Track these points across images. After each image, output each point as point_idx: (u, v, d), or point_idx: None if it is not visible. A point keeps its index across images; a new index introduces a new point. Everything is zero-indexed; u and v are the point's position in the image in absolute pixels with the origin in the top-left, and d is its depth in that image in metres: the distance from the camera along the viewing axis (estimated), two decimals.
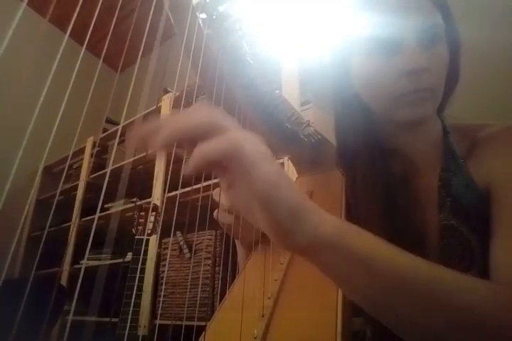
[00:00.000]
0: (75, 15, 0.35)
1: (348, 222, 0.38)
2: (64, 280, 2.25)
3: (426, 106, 0.57)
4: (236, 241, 0.70)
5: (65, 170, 2.83)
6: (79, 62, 0.39)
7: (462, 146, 0.61)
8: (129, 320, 1.22)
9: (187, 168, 0.30)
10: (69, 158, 2.66)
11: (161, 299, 1.69)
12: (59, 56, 0.34)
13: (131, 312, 1.24)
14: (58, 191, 2.61)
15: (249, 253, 0.67)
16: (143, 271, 1.36)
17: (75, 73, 0.37)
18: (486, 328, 0.35)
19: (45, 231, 2.24)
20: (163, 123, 0.32)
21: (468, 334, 0.36)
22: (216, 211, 0.59)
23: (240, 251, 0.71)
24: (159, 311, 1.65)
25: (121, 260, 1.89)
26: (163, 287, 1.69)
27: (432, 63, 0.55)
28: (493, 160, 0.56)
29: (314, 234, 0.33)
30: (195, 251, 1.64)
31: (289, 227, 0.33)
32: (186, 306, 1.54)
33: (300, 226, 0.33)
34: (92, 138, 2.67)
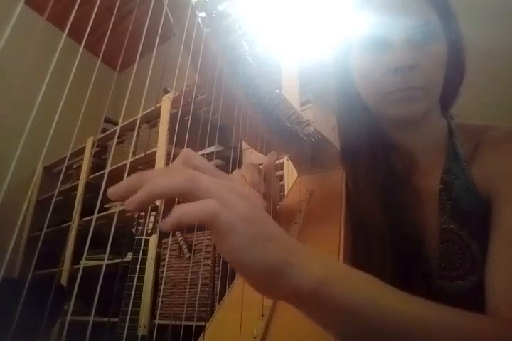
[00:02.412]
0: (73, 14, 0.35)
1: (332, 259, 0.36)
2: (64, 280, 2.25)
3: (415, 104, 0.57)
4: None
5: (63, 170, 2.81)
6: (77, 61, 0.39)
7: (467, 148, 0.60)
8: (127, 320, 1.22)
9: (165, 225, 0.30)
10: (67, 159, 2.66)
11: (161, 299, 1.69)
12: (57, 55, 0.34)
13: (129, 312, 1.24)
14: (56, 191, 2.61)
15: None
16: (142, 271, 1.36)
17: (73, 72, 0.37)
18: None
19: (43, 232, 2.23)
20: (143, 180, 0.31)
21: None
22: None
23: None
24: (159, 311, 1.65)
25: (120, 260, 1.89)
26: (163, 287, 1.69)
27: (421, 61, 0.55)
28: (494, 166, 0.56)
29: (293, 290, 0.32)
30: (194, 251, 1.64)
31: (265, 284, 0.32)
32: (186, 306, 1.54)
33: (277, 283, 0.32)
34: (91, 138, 2.67)
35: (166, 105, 2.15)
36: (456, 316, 0.37)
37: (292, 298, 0.33)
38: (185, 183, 0.30)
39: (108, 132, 2.54)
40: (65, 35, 0.37)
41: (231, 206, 0.31)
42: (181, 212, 0.30)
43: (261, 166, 0.66)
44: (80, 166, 2.69)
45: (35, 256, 2.44)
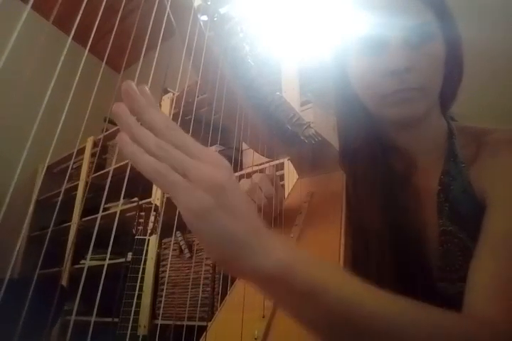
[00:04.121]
0: (79, 17, 0.35)
1: (299, 249, 0.35)
2: (64, 280, 2.25)
3: (414, 106, 0.57)
4: None
5: (69, 169, 2.81)
6: (82, 63, 0.39)
7: (469, 150, 0.60)
8: (131, 320, 1.23)
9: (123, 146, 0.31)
10: (73, 158, 2.66)
11: (163, 299, 1.70)
12: (62, 58, 0.34)
13: (132, 312, 1.24)
14: (62, 190, 2.60)
15: None
16: (143, 271, 1.36)
17: (78, 75, 0.37)
18: None
19: (48, 230, 2.23)
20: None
21: None
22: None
23: None
24: (161, 311, 1.65)
25: (121, 260, 1.89)
26: (165, 287, 1.70)
27: (418, 63, 0.54)
28: (489, 169, 0.56)
29: (254, 268, 0.32)
30: (195, 251, 1.65)
31: (225, 259, 0.32)
32: (187, 306, 1.54)
33: (239, 261, 0.32)
34: (92, 138, 2.67)
35: (166, 105, 2.15)
36: (425, 312, 0.36)
37: (251, 277, 0.33)
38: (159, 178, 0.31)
39: (108, 132, 2.54)
40: (70, 38, 0.37)
41: (188, 167, 0.31)
42: (137, 158, 0.31)
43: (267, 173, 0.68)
44: (80, 166, 2.69)
45: (36, 256, 2.44)
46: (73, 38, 0.42)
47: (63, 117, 0.37)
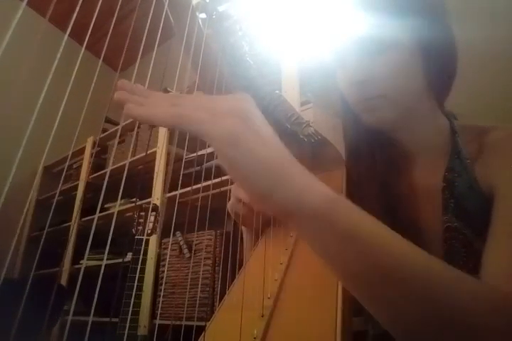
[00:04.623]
0: (75, 15, 0.35)
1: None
2: (64, 280, 2.25)
3: (382, 112, 0.59)
4: (243, 228, 0.71)
5: (65, 169, 2.81)
6: (79, 61, 0.39)
7: (472, 147, 0.60)
8: (128, 320, 1.22)
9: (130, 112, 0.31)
10: (69, 158, 2.66)
11: (161, 299, 1.69)
12: (59, 56, 0.34)
13: (130, 312, 1.24)
14: (58, 190, 2.61)
15: (256, 239, 0.67)
16: (143, 271, 1.36)
17: (74, 73, 0.37)
18: (474, 330, 0.33)
19: (44, 231, 2.23)
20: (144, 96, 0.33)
21: (456, 335, 0.33)
22: (229, 202, 0.61)
23: (247, 237, 0.71)
24: (159, 311, 1.65)
25: (121, 260, 1.89)
26: (163, 287, 1.69)
27: (377, 72, 0.56)
28: (499, 166, 0.56)
29: (297, 201, 0.31)
30: (194, 251, 1.64)
31: (265, 190, 0.31)
32: (186, 306, 1.54)
33: (279, 190, 0.31)
34: (91, 138, 2.67)
35: None
36: (453, 270, 0.36)
37: (293, 211, 0.32)
38: (172, 121, 0.31)
39: (108, 132, 2.54)
40: (66, 36, 0.37)
41: (199, 102, 0.32)
42: (152, 112, 0.31)
43: None
44: (80, 166, 2.69)
45: (37, 256, 2.44)
46: (72, 37, 0.41)
47: (58, 117, 0.37)
